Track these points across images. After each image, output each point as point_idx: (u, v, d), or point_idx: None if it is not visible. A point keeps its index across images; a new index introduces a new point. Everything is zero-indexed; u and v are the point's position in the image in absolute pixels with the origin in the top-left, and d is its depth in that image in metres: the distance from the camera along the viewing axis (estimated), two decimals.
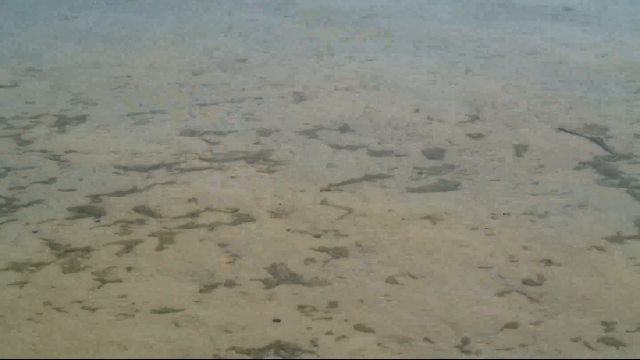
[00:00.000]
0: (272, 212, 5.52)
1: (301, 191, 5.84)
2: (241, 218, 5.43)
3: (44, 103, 7.76)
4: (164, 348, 4.07)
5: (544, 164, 6.34)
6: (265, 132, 7.01)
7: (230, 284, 4.66)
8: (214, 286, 4.63)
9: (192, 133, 6.98)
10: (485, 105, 7.74)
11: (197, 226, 5.30)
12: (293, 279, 4.73)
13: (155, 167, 6.27)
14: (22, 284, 4.63)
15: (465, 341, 4.13)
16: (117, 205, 5.61)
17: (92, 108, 7.64)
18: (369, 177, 6.11)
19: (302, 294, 4.56)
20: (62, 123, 7.20)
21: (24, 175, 6.11)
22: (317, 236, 5.20)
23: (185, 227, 5.30)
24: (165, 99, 7.93)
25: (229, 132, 7.01)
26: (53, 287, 4.59)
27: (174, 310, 4.39)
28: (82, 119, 7.32)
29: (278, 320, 4.31)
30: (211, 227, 5.29)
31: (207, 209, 5.53)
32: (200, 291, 4.59)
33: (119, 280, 4.68)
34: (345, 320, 4.30)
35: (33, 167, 6.25)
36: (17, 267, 4.81)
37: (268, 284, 4.67)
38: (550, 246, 5.07)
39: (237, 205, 5.60)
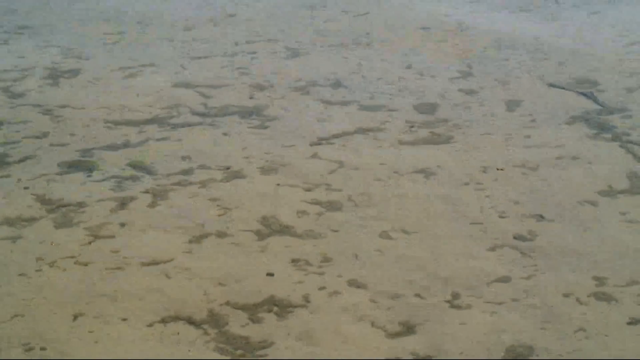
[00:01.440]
0: (263, 167, 5.42)
1: (292, 146, 5.74)
2: (233, 174, 5.33)
3: (35, 58, 7.62)
4: (157, 301, 4.00)
5: (536, 119, 6.24)
6: (259, 88, 6.88)
7: (221, 235, 4.58)
8: (204, 237, 4.55)
9: (186, 86, 6.85)
10: (477, 61, 7.62)
11: (190, 183, 5.21)
12: (285, 231, 4.65)
13: (148, 121, 6.15)
14: (14, 239, 4.55)
15: (456, 296, 4.06)
16: (110, 161, 5.51)
17: (84, 62, 7.49)
18: (360, 131, 6.01)
19: (295, 246, 4.49)
20: (54, 77, 7.06)
21: (16, 130, 5.99)
22: (309, 190, 5.12)
23: (178, 184, 5.20)
24: (157, 54, 7.78)
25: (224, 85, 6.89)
26: (45, 242, 4.51)
27: (165, 262, 4.31)
28: (74, 72, 7.17)
29: (272, 275, 4.23)
30: (203, 184, 5.20)
31: (200, 167, 5.43)
32: (191, 242, 4.51)
33: (112, 236, 4.59)
34: (339, 276, 4.23)
35: (25, 121, 6.13)
36: (9, 222, 4.72)
37: (260, 236, 4.59)
38: (542, 201, 4.99)
39: (229, 162, 5.50)
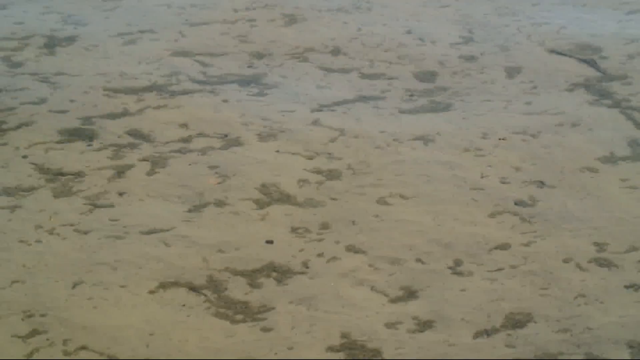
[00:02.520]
0: (262, 135, 5.40)
1: (292, 113, 5.71)
2: (231, 142, 5.30)
3: (33, 24, 7.55)
4: (157, 267, 4.00)
5: (536, 85, 6.20)
6: (258, 55, 6.84)
7: (220, 204, 4.57)
8: (204, 206, 4.55)
9: (185, 53, 6.80)
10: (477, 27, 7.56)
11: (189, 151, 5.19)
12: (285, 199, 4.64)
13: (147, 89, 6.11)
14: (12, 208, 4.53)
15: (458, 262, 4.06)
16: (109, 129, 5.48)
17: (82, 29, 7.43)
18: (361, 99, 5.98)
19: (295, 214, 4.48)
20: (51, 44, 7.01)
21: (13, 97, 5.96)
22: (309, 158, 5.10)
23: (177, 151, 5.18)
24: (155, 20, 7.72)
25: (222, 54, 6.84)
26: (44, 211, 4.50)
27: (164, 231, 4.30)
28: (71, 39, 7.12)
29: (271, 242, 4.23)
30: (202, 151, 5.18)
31: (199, 134, 5.40)
32: (190, 211, 4.50)
33: (111, 205, 4.58)
34: (337, 242, 4.22)
35: (22, 88, 6.09)
36: (8, 192, 4.70)
37: (260, 204, 4.58)
38: (542, 167, 4.97)
39: (228, 130, 5.47)
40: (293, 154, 5.13)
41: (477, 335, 3.54)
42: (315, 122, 5.56)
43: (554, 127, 5.50)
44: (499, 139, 5.34)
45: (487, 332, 3.56)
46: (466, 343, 3.49)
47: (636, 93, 6.00)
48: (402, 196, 4.64)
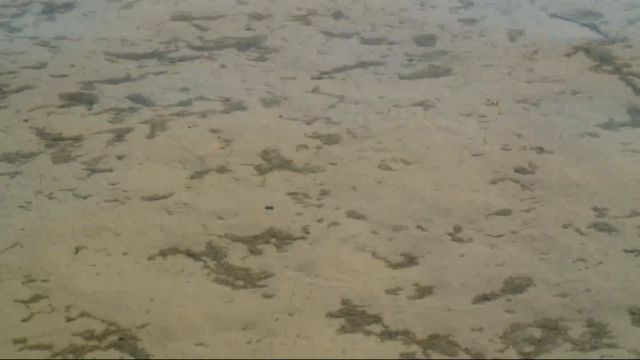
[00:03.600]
0: (263, 100, 5.33)
1: (293, 79, 5.64)
2: (232, 107, 5.24)
3: None
4: (157, 234, 3.96)
5: (538, 50, 6.12)
6: (257, 17, 6.74)
7: (221, 169, 4.52)
8: (205, 172, 4.50)
9: (184, 17, 6.70)
10: None
11: (189, 114, 5.13)
12: (285, 165, 4.59)
13: (147, 55, 6.03)
14: (13, 174, 4.48)
15: (457, 228, 4.02)
16: (109, 93, 5.41)
17: None
18: (361, 65, 5.90)
19: (294, 180, 4.43)
20: (49, 10, 6.91)
21: (13, 60, 5.88)
22: (309, 123, 5.04)
23: (177, 114, 5.12)
24: None
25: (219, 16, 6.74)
26: (44, 177, 4.45)
27: (166, 197, 4.26)
28: (69, 6, 7.01)
29: (271, 208, 4.18)
30: (203, 114, 5.11)
31: (199, 98, 5.34)
32: (192, 177, 4.45)
33: (110, 169, 4.53)
34: (337, 207, 4.18)
35: (22, 52, 6.01)
36: (8, 158, 4.65)
37: (260, 170, 4.53)
38: (542, 134, 4.91)
39: (228, 94, 5.41)
40: (293, 119, 5.07)
41: (477, 300, 3.51)
42: (316, 89, 5.50)
43: (554, 95, 5.42)
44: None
45: (487, 297, 3.53)
46: (465, 309, 3.46)
47: (636, 57, 5.92)
48: (403, 161, 4.59)
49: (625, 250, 3.81)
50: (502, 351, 3.22)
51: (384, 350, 3.23)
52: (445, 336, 3.31)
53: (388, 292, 3.56)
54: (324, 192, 4.31)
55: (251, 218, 4.08)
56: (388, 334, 3.32)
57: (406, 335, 3.31)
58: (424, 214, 4.11)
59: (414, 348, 3.25)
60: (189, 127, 4.96)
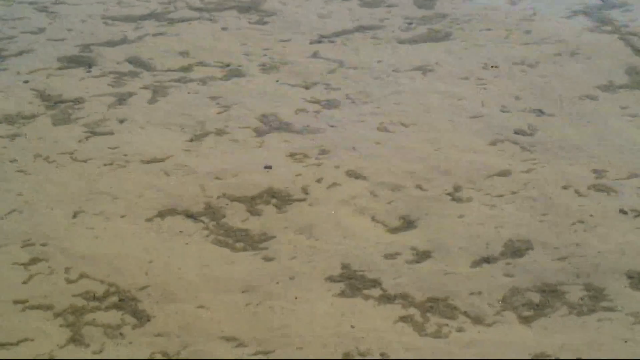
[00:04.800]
0: (262, 65, 5.23)
1: (293, 43, 5.53)
2: (232, 72, 5.14)
3: None
4: (156, 196, 3.88)
5: (536, 12, 6.00)
6: None
7: (220, 132, 4.43)
8: (204, 135, 4.41)
9: None
10: None
11: (190, 80, 5.02)
12: (284, 127, 4.50)
13: (145, 17, 5.92)
14: (12, 137, 4.40)
15: (457, 188, 3.94)
16: (108, 56, 5.31)
17: None
18: (360, 29, 5.78)
19: (293, 141, 4.34)
20: None
21: (12, 26, 5.76)
22: (308, 88, 4.94)
23: (177, 80, 5.02)
24: None
25: None
26: (44, 139, 4.37)
27: (164, 160, 4.18)
28: None
29: (269, 167, 4.10)
30: (203, 81, 5.01)
31: (199, 64, 5.24)
32: (191, 140, 4.37)
33: (110, 132, 4.44)
34: (337, 167, 4.10)
35: (21, 17, 5.90)
36: (8, 119, 4.56)
37: (259, 132, 4.44)
38: (541, 96, 4.82)
39: (228, 59, 5.30)
40: (292, 85, 4.97)
41: (476, 264, 3.44)
42: (315, 54, 5.39)
43: (553, 56, 5.32)
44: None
45: (486, 261, 3.45)
46: (464, 272, 3.39)
47: (635, 19, 5.80)
48: (402, 124, 4.50)
49: (624, 212, 3.73)
50: (501, 315, 3.16)
51: (383, 313, 3.17)
52: (444, 299, 3.25)
53: (387, 256, 3.49)
54: (324, 152, 4.22)
55: (250, 178, 4.00)
56: (387, 298, 3.26)
57: (405, 299, 3.25)
58: (423, 173, 4.03)
59: (413, 311, 3.19)
60: (189, 93, 4.86)
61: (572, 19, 5.88)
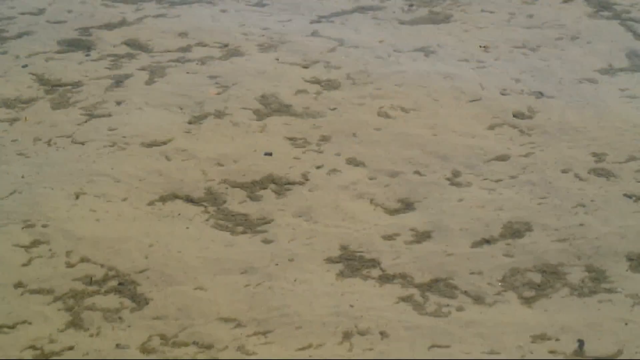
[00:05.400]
0: (261, 45, 5.19)
1: (292, 23, 5.49)
2: (231, 52, 5.10)
3: None
4: (157, 180, 3.86)
5: None
6: None
7: (220, 115, 4.40)
8: (203, 117, 4.38)
9: None
10: None
11: (188, 60, 4.99)
12: (284, 109, 4.47)
13: None
14: (12, 121, 4.37)
15: (456, 173, 3.92)
16: (107, 39, 5.27)
17: None
18: (360, 9, 5.74)
19: (294, 125, 4.31)
20: None
21: (10, 6, 5.72)
22: (308, 67, 4.90)
23: (176, 60, 4.99)
24: None
25: None
26: (43, 123, 4.34)
27: (165, 143, 4.15)
28: None
29: (270, 154, 4.07)
30: (202, 61, 4.98)
31: (198, 44, 5.20)
32: (190, 123, 4.34)
33: (109, 115, 4.41)
34: (337, 154, 4.07)
35: None
36: (7, 103, 4.53)
37: (259, 115, 4.41)
38: (541, 79, 4.78)
39: (227, 40, 5.26)
40: (291, 64, 4.94)
41: (476, 244, 3.42)
42: (314, 33, 5.35)
43: (553, 40, 5.28)
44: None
45: (486, 241, 3.44)
46: (464, 253, 3.37)
47: (636, 4, 5.76)
48: (402, 108, 4.46)
49: (624, 195, 3.71)
50: (501, 295, 3.14)
51: (382, 293, 3.16)
52: (444, 279, 3.23)
53: (386, 237, 3.47)
54: (324, 138, 4.20)
55: (250, 164, 3.98)
56: (386, 278, 3.24)
57: (404, 279, 3.24)
58: (422, 159, 4.01)
59: (412, 291, 3.17)
60: (187, 73, 4.83)
61: (573, 3, 5.83)
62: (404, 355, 2.88)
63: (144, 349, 2.92)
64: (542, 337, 2.94)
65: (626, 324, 2.99)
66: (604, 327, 2.97)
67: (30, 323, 3.03)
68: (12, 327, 3.01)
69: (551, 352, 2.89)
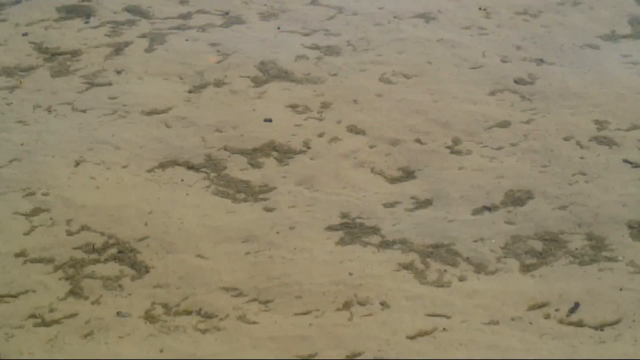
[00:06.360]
0: (262, 13, 5.11)
1: None
2: (232, 20, 5.03)
3: None
4: (157, 147, 3.81)
5: None
6: None
7: (219, 83, 4.34)
8: (203, 86, 4.32)
9: None
10: None
11: (189, 27, 4.92)
12: (283, 75, 4.41)
13: None
14: (12, 88, 4.31)
15: (456, 141, 3.86)
16: (107, 5, 5.19)
17: None
18: None
19: (294, 91, 4.25)
20: None
21: None
22: (308, 35, 4.83)
23: (176, 27, 4.91)
24: None
25: None
26: (42, 91, 4.28)
27: (165, 111, 4.10)
28: None
29: (269, 120, 4.02)
30: (202, 28, 4.91)
31: (199, 11, 5.12)
32: (190, 91, 4.28)
33: (109, 83, 4.35)
34: (338, 122, 4.02)
35: None
36: (7, 71, 4.47)
37: (258, 82, 4.35)
38: (543, 45, 4.71)
39: (228, 7, 5.18)
40: (291, 32, 4.86)
41: (477, 212, 3.38)
42: (314, 2, 5.27)
43: (555, 6, 5.20)
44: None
45: (487, 208, 3.40)
46: (465, 220, 3.33)
47: None
48: (403, 74, 4.40)
49: (625, 163, 3.66)
50: (503, 262, 3.10)
51: (382, 259, 3.12)
52: (445, 245, 3.19)
53: (386, 205, 3.43)
54: (325, 105, 4.14)
55: (250, 130, 3.92)
56: (386, 244, 3.21)
57: (404, 244, 3.20)
58: (423, 127, 3.95)
59: (413, 257, 3.14)
60: (187, 40, 4.76)
61: None
62: (405, 325, 2.85)
63: (146, 317, 2.90)
64: (541, 306, 2.91)
65: (621, 290, 2.96)
66: (603, 295, 2.94)
67: (33, 292, 3.00)
68: (14, 296, 2.98)
69: (548, 319, 2.87)
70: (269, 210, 3.41)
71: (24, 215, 3.36)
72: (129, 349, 2.77)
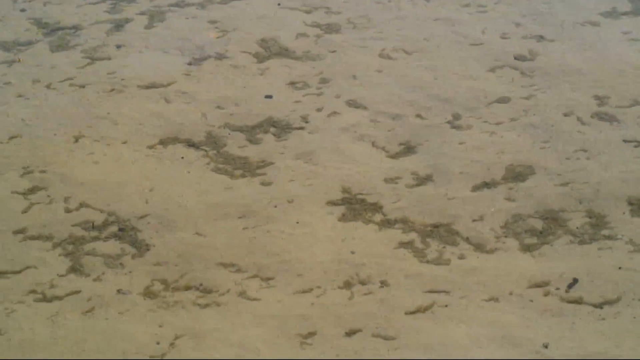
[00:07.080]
0: None
1: None
2: None
3: None
4: (157, 123, 3.77)
5: None
6: None
7: (220, 57, 4.30)
8: (203, 59, 4.27)
9: None
10: None
11: (188, 4, 4.86)
12: (284, 53, 4.36)
13: None
14: (10, 63, 4.26)
15: (456, 116, 3.82)
16: None
17: None
18: None
19: (294, 68, 4.21)
20: None
21: None
22: (308, 12, 4.78)
23: (175, 5, 4.85)
24: None
25: None
26: (42, 66, 4.23)
27: (165, 86, 4.05)
28: None
29: (270, 97, 3.98)
30: (201, 5, 4.85)
31: None
32: (190, 63, 4.23)
33: (108, 58, 4.30)
34: (337, 96, 3.98)
35: None
36: (5, 46, 4.42)
37: (259, 58, 4.30)
38: (543, 22, 4.66)
39: None
40: (291, 9, 4.81)
41: (477, 188, 3.35)
42: None
43: None
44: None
45: (487, 185, 3.36)
46: (465, 196, 3.30)
47: None
48: (404, 51, 4.35)
49: (626, 141, 3.62)
50: (502, 242, 3.08)
51: (383, 238, 3.10)
52: (445, 224, 3.16)
53: (387, 180, 3.40)
54: (324, 81, 4.10)
55: (250, 107, 3.88)
56: (387, 223, 3.18)
57: (405, 224, 3.17)
58: (423, 102, 3.91)
59: (413, 236, 3.11)
60: (187, 18, 4.71)
61: None
62: (404, 302, 2.83)
63: (146, 293, 2.88)
64: (541, 285, 2.89)
65: (620, 268, 2.93)
66: (603, 274, 2.91)
67: (34, 267, 2.98)
68: (15, 272, 2.96)
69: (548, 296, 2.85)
70: (266, 184, 3.38)
71: (22, 194, 3.33)
72: (129, 325, 2.75)
